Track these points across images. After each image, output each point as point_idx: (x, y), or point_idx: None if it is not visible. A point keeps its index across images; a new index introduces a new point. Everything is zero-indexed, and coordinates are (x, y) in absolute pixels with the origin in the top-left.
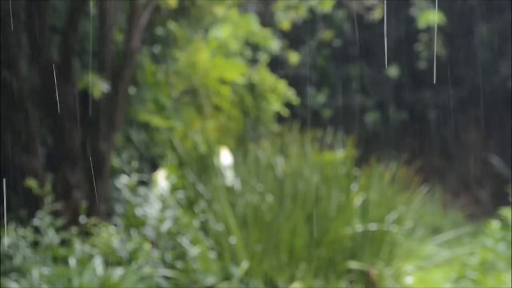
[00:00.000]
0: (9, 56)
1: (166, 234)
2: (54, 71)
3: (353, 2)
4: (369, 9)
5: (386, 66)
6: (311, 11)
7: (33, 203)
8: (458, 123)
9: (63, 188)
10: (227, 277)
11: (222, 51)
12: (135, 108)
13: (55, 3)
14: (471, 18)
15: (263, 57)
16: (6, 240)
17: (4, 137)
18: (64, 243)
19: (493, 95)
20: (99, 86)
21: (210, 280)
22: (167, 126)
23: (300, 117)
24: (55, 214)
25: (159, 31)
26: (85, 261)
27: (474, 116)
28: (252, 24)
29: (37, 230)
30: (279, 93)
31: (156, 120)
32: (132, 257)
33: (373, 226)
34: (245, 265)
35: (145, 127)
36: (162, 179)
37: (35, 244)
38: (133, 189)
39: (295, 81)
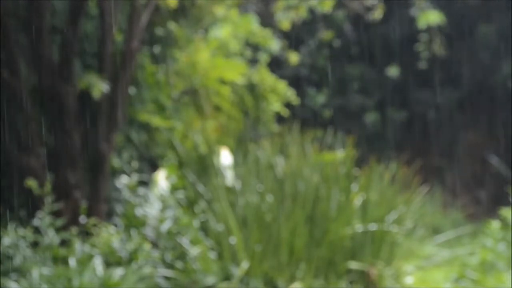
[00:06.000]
0: (9, 56)
1: (166, 234)
2: (54, 71)
3: (353, 2)
4: (369, 9)
5: (386, 67)
6: (311, 11)
7: (33, 203)
8: (458, 123)
9: (63, 188)
10: (227, 277)
11: (222, 51)
12: (135, 108)
13: (55, 3)
14: (471, 18)
15: (263, 57)
16: (6, 240)
17: (4, 137)
18: (64, 243)
19: (493, 95)
20: (99, 86)
21: (210, 280)
22: (167, 126)
23: (300, 117)
24: (55, 214)
25: (159, 31)
26: (85, 261)
27: (474, 116)
28: (252, 24)
29: (37, 230)
30: (279, 93)
31: (156, 120)
32: (132, 257)
33: (373, 226)
34: (245, 265)
35: (145, 127)
36: (162, 179)
37: (35, 244)
38: (133, 189)
39: (295, 81)
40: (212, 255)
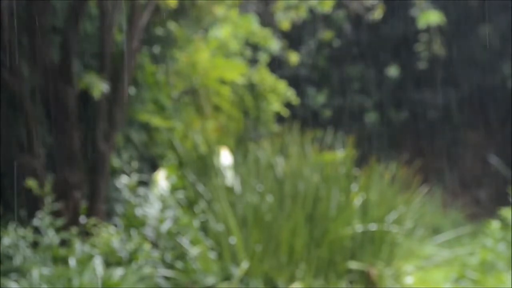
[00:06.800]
0: (9, 56)
1: (166, 234)
2: (54, 71)
3: (353, 2)
4: (369, 9)
5: (386, 67)
6: (311, 11)
7: (33, 203)
8: (458, 123)
9: (63, 188)
10: (227, 277)
11: (222, 51)
12: (135, 108)
13: (55, 3)
14: (471, 18)
15: (263, 57)
16: (6, 240)
17: (4, 137)
18: (64, 243)
19: (493, 95)
20: (99, 86)
21: (210, 280)
22: (167, 126)
23: (300, 117)
24: (55, 214)
25: (159, 31)
26: (85, 261)
27: (474, 116)
28: (252, 24)
29: (37, 230)
30: (279, 93)
31: (156, 120)
32: (132, 257)
33: (373, 226)
34: (245, 265)
35: (145, 127)
36: (162, 179)
37: (35, 244)
38: (133, 189)
39: (295, 81)
40: (212, 255)
